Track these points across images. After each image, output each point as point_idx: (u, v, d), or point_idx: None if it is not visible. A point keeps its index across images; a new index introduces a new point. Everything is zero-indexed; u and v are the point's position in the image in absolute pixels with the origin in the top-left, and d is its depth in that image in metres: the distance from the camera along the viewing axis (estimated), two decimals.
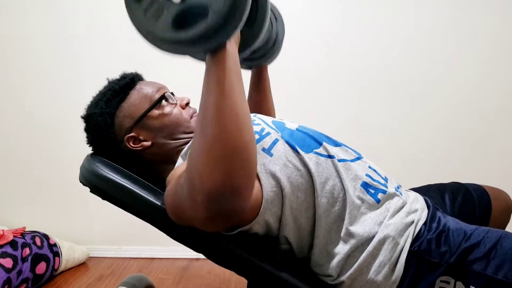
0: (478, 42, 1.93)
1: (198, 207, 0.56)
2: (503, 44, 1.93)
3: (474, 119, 1.97)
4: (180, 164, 0.85)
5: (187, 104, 0.95)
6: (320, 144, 0.82)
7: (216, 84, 0.55)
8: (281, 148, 0.79)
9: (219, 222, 0.60)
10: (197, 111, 0.97)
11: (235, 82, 0.56)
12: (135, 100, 0.90)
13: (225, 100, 0.54)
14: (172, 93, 0.95)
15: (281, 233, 0.80)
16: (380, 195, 0.81)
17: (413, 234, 0.78)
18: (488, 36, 1.92)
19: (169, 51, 0.55)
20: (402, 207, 0.82)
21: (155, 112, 0.89)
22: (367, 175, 0.82)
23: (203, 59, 0.64)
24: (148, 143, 0.89)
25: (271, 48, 1.01)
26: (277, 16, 1.00)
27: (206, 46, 0.53)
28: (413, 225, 0.79)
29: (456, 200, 1.06)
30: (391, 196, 0.83)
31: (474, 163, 1.98)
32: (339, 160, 0.81)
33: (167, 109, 0.90)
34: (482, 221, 1.03)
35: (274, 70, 1.19)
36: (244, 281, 0.91)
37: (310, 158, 0.79)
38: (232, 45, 0.59)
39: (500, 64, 1.94)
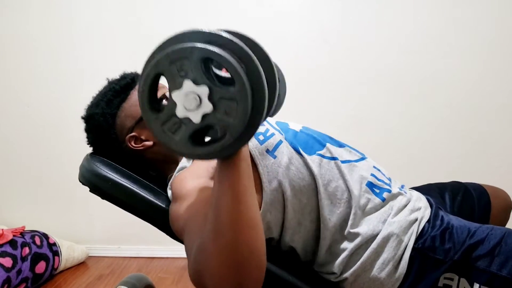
0: (477, 41, 1.92)
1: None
2: (503, 43, 1.93)
3: (473, 118, 1.96)
4: (183, 168, 0.81)
5: None
6: (324, 145, 0.83)
7: (229, 188, 0.50)
8: (285, 150, 0.80)
9: None
10: None
11: (247, 185, 0.52)
12: (136, 100, 0.89)
13: (240, 205, 0.50)
14: None
15: (283, 238, 0.80)
16: (385, 194, 0.81)
17: (417, 232, 0.78)
18: (488, 35, 1.92)
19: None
20: (405, 205, 0.82)
21: None
22: (372, 175, 0.83)
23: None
24: (149, 143, 0.89)
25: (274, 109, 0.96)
26: (280, 77, 0.92)
27: (220, 157, 0.51)
28: (417, 222, 0.79)
29: (456, 199, 1.06)
30: (396, 195, 0.83)
31: (474, 162, 1.98)
32: (343, 161, 0.81)
33: None
34: (481, 220, 1.03)
35: None
36: None
37: (313, 160, 0.79)
38: (245, 148, 0.54)
39: (499, 63, 1.94)
